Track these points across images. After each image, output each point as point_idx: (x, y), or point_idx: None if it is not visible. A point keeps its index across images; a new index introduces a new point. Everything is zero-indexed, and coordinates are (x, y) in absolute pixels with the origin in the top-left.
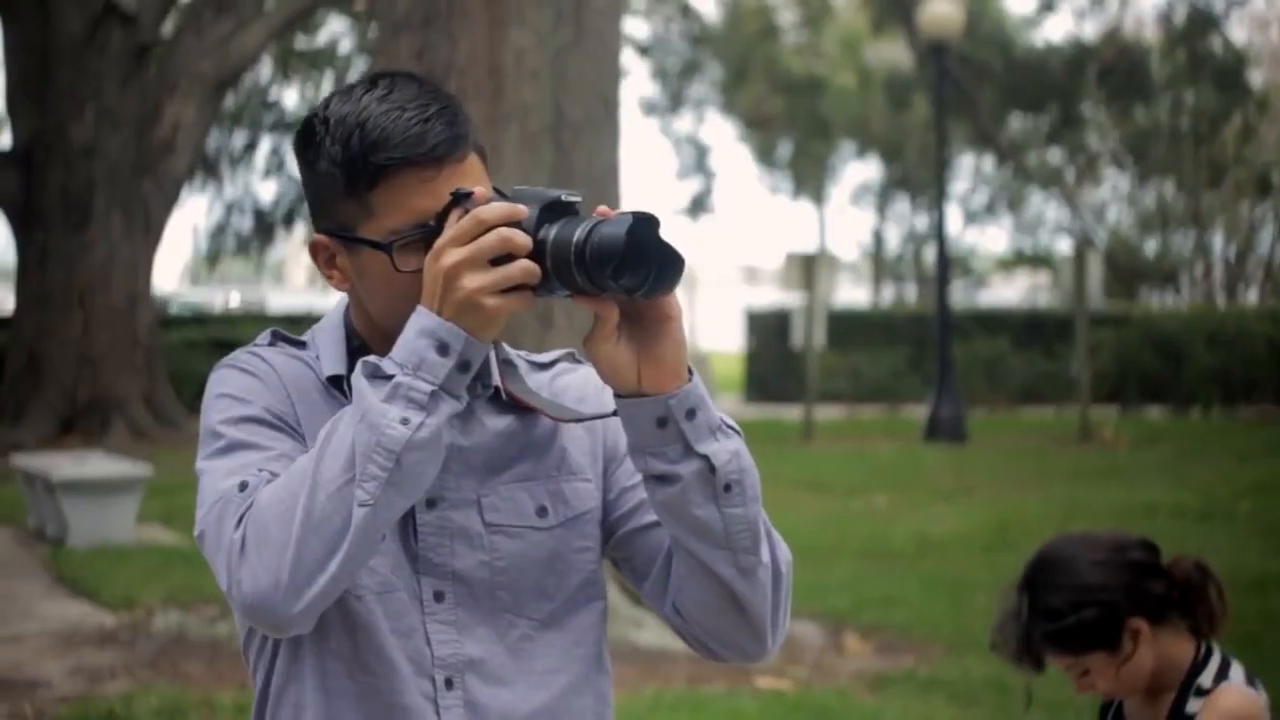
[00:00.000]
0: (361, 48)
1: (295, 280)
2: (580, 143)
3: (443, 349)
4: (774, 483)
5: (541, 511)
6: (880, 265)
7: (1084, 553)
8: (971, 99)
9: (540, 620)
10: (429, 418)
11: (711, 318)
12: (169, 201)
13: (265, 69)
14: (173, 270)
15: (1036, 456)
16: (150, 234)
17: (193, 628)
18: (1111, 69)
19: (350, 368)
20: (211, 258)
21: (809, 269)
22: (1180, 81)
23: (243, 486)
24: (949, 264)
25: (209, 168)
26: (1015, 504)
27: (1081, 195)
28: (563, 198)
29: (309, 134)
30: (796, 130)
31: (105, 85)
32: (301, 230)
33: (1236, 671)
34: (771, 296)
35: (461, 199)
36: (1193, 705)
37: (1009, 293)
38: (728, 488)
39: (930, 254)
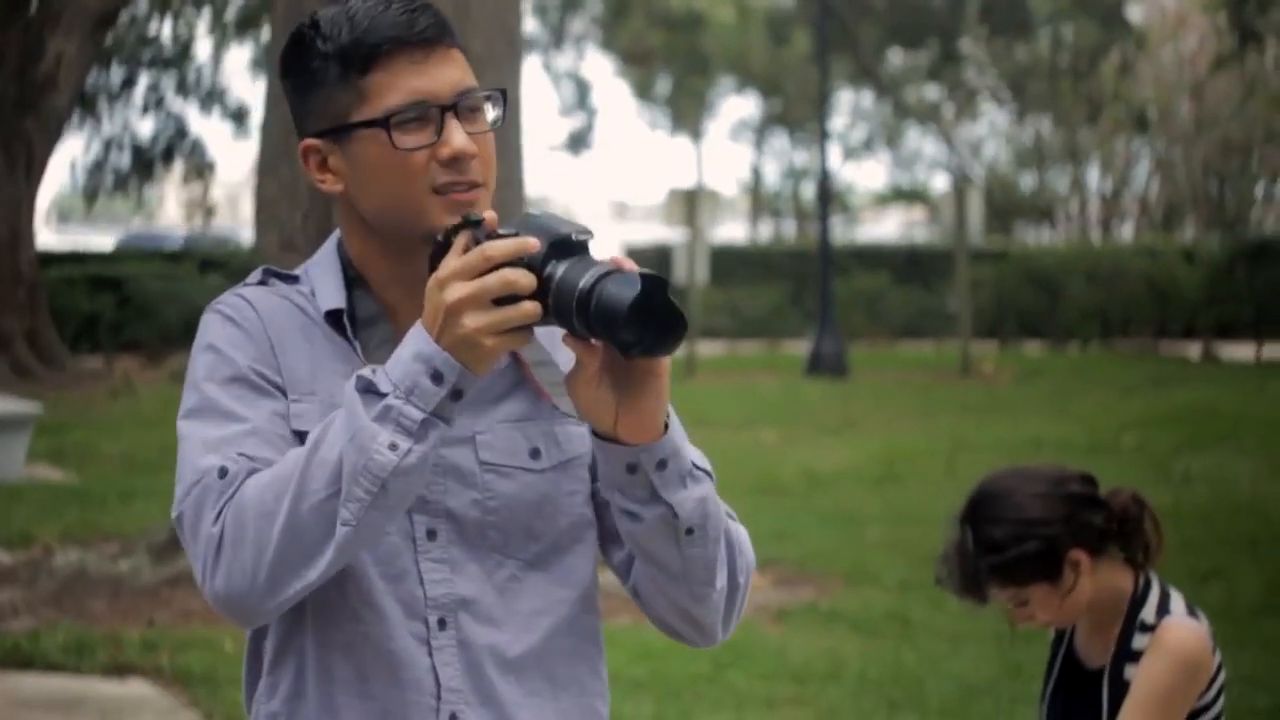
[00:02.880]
0: None
1: (169, 217)
2: (483, 76)
3: (436, 377)
4: None
5: (535, 453)
6: (758, 201)
7: (1024, 485)
8: (853, 35)
9: (526, 561)
10: (418, 444)
11: None
12: (51, 139)
13: (142, 3)
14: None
15: (919, 391)
16: (32, 172)
17: (93, 565)
18: (992, 4)
19: (349, 300)
20: (90, 195)
21: (691, 205)
22: (1060, 17)
23: (223, 473)
24: (831, 199)
25: (86, 104)
26: (901, 438)
27: (958, 131)
28: (573, 236)
29: (297, 42)
30: (675, 66)
31: None
32: (180, 168)
33: (1177, 603)
34: (641, 233)
35: (472, 224)
36: (1138, 640)
37: (882, 229)
38: (689, 531)
39: (808, 190)
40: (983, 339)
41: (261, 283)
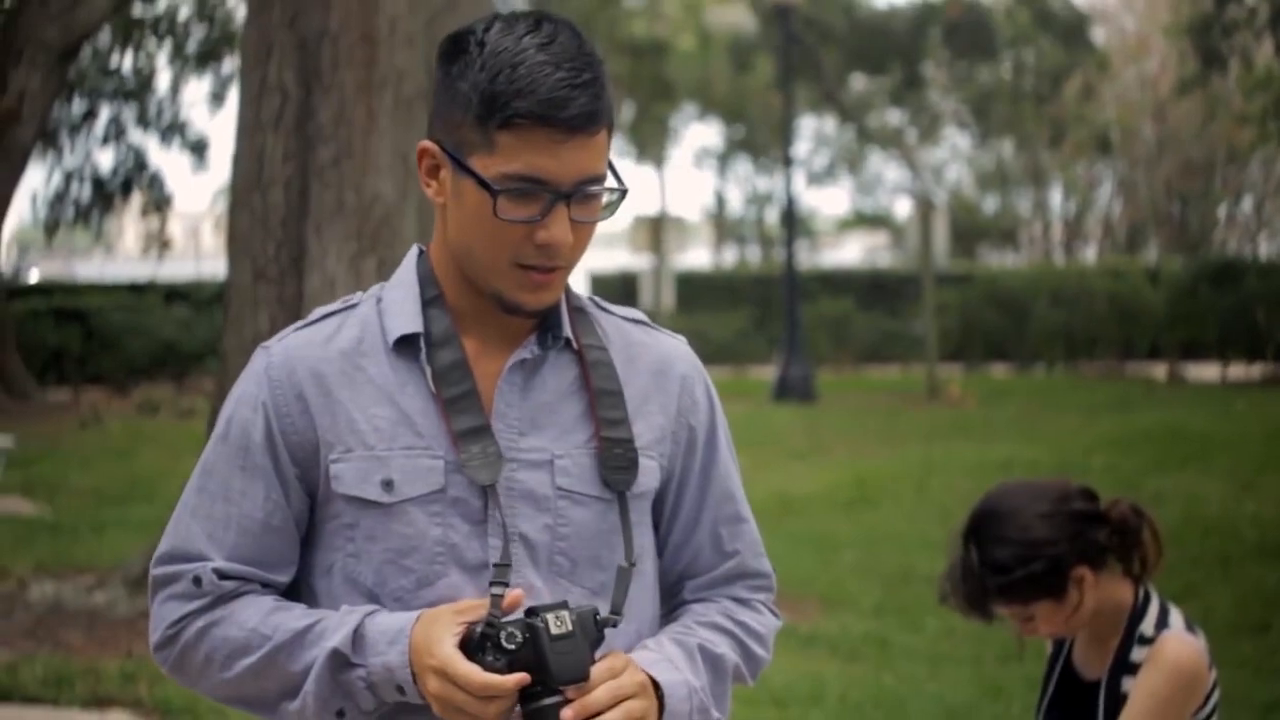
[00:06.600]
0: (200, 16)
1: (126, 249)
2: None
3: (400, 690)
4: None
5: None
6: (722, 227)
7: (1028, 504)
8: (816, 61)
9: (592, 590)
10: (361, 715)
11: None
12: (16, 172)
13: (103, 36)
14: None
15: (887, 415)
16: None
17: (69, 597)
18: (955, 27)
19: (426, 320)
20: (50, 228)
21: (656, 231)
22: (1022, 40)
23: (197, 582)
24: (796, 225)
25: (47, 137)
26: (871, 462)
27: (921, 155)
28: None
29: (460, 49)
30: (639, 93)
31: None
32: (138, 200)
33: (1176, 618)
34: (604, 260)
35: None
36: (1137, 653)
37: (844, 254)
38: None
39: (772, 215)
40: (948, 362)
41: (318, 320)
